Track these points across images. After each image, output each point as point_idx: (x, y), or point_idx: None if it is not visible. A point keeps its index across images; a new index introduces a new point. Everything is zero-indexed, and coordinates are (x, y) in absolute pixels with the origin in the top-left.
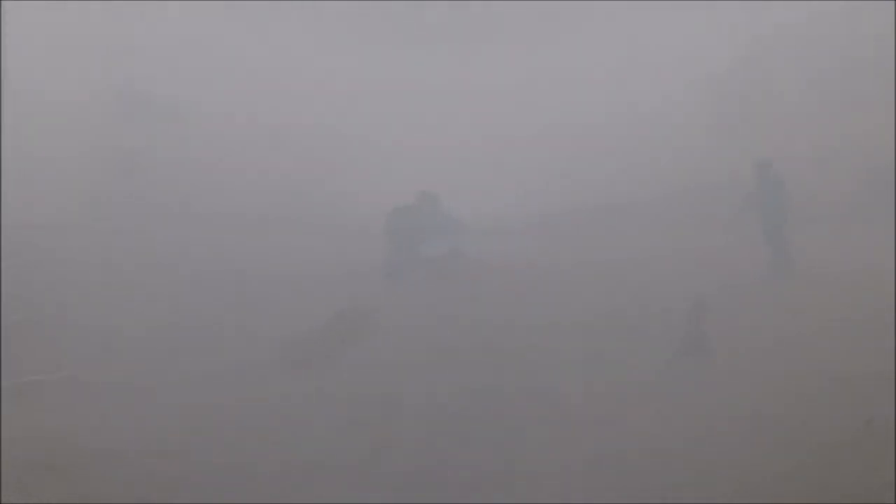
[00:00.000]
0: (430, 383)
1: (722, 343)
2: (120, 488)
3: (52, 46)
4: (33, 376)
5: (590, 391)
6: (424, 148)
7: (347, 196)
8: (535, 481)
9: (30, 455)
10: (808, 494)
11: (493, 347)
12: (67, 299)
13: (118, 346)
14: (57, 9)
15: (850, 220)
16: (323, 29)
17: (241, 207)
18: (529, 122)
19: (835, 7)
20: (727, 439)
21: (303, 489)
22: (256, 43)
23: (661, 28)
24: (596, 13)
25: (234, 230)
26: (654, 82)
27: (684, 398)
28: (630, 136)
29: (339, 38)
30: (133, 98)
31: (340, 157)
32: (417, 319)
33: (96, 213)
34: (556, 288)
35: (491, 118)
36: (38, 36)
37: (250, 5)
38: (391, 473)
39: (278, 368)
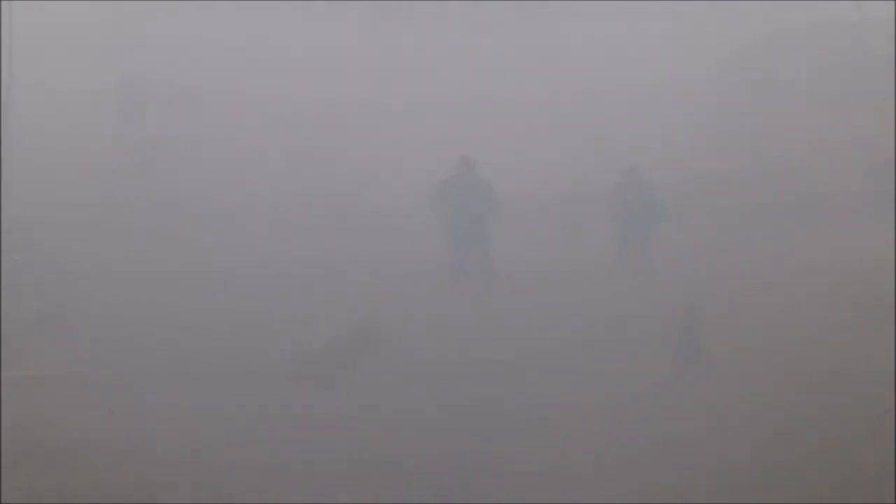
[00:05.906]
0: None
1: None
2: (116, 488)
3: (57, 40)
4: (37, 372)
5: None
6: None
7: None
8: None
9: (30, 450)
10: (809, 495)
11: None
12: (81, 297)
13: (125, 346)
14: (60, 5)
15: (851, 216)
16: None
17: (257, 200)
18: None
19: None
20: (724, 438)
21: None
22: (256, 26)
23: (664, 16)
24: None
25: (246, 225)
26: (653, 70)
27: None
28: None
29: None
30: (139, 89)
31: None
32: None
33: (112, 209)
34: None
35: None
36: (43, 30)
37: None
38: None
39: (289, 378)
